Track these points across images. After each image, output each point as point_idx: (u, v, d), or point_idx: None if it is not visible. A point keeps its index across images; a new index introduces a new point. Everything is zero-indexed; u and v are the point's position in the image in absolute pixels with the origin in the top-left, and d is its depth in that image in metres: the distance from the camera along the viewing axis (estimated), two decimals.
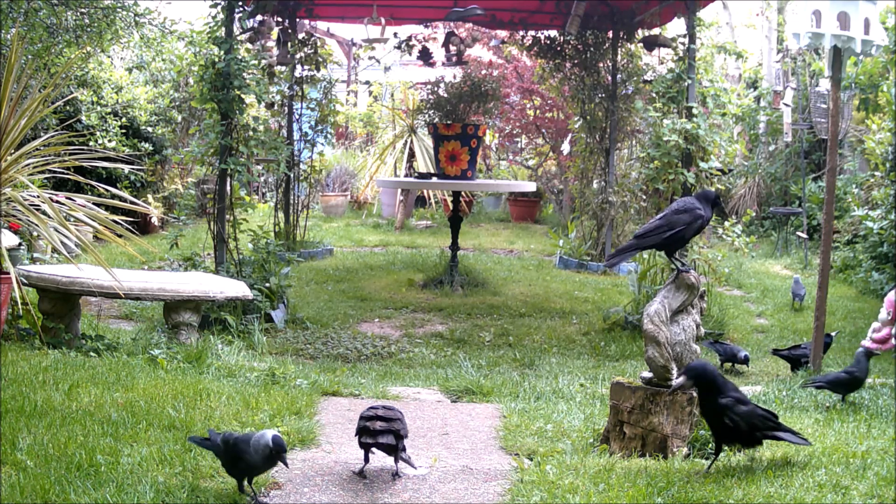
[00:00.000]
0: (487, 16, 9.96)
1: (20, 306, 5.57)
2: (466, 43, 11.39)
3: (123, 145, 10.86)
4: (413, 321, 8.05)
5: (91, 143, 10.08)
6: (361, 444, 3.77)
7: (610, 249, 10.68)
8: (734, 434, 3.59)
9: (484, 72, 12.24)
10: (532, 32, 11.03)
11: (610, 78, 10.76)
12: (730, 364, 6.77)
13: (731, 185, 14.61)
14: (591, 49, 10.78)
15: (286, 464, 3.37)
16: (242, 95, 7.42)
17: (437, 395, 5.59)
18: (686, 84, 8.05)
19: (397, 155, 14.63)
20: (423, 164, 14.13)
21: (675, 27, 9.63)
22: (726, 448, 3.71)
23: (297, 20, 10.42)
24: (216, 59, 7.29)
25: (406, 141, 14.69)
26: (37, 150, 5.10)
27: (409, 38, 11.03)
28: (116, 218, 5.10)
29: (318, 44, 10.62)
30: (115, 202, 5.32)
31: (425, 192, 15.49)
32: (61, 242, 4.76)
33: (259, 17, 8.32)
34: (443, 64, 11.98)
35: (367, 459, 3.82)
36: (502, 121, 15.10)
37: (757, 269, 11.19)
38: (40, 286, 5.72)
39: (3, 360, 4.82)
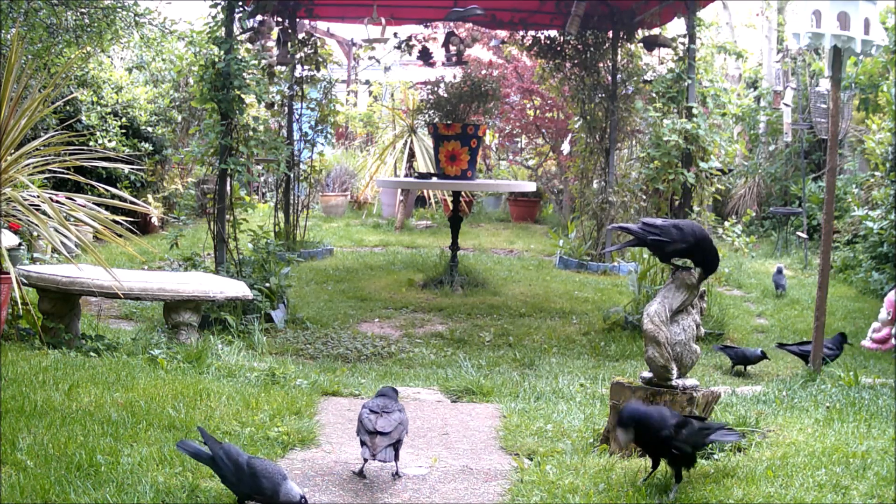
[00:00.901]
0: (487, 16, 9.96)
1: (20, 306, 5.57)
2: (466, 43, 11.39)
3: (123, 145, 10.86)
4: (413, 321, 8.05)
5: (91, 143, 10.08)
6: (363, 442, 3.76)
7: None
8: (686, 459, 3.52)
9: (484, 72, 12.26)
10: (532, 32, 11.03)
11: (610, 78, 10.76)
12: (741, 367, 6.69)
13: (731, 185, 14.61)
14: (591, 49, 10.78)
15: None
16: (242, 95, 7.42)
17: (437, 395, 5.59)
18: (686, 84, 8.04)
19: (397, 155, 14.63)
20: (423, 164, 14.13)
21: (675, 27, 9.63)
22: (685, 471, 3.58)
23: (297, 20, 10.42)
24: (216, 59, 7.29)
25: (406, 141, 14.69)
26: (37, 150, 5.10)
27: (409, 38, 11.03)
28: (116, 218, 5.10)
29: (318, 44, 10.62)
30: (115, 202, 5.32)
31: (425, 192, 15.49)
32: (61, 242, 4.76)
33: (259, 17, 8.32)
34: (443, 64, 11.97)
35: (365, 459, 3.82)
36: (502, 121, 15.11)
37: (757, 269, 11.19)
38: (40, 286, 5.72)
39: (3, 360, 4.82)
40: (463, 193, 12.91)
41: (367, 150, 17.24)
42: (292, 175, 10.58)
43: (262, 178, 14.10)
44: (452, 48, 11.05)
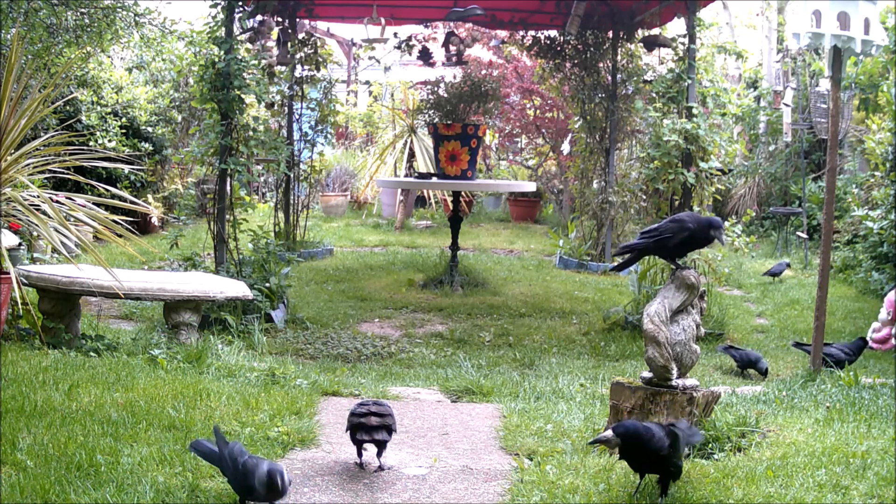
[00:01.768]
0: (487, 16, 9.96)
1: (20, 306, 5.57)
2: (466, 43, 11.40)
3: (123, 145, 10.86)
4: (413, 321, 8.05)
5: (91, 143, 10.08)
6: (355, 441, 3.83)
7: (610, 249, 10.68)
8: (677, 472, 3.44)
9: (484, 72, 12.27)
10: (532, 32, 11.03)
11: (610, 78, 10.76)
12: (745, 370, 6.62)
13: (731, 185, 14.61)
14: (591, 49, 10.79)
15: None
16: (242, 95, 7.42)
17: (437, 395, 5.59)
18: (686, 84, 8.04)
19: (397, 155, 14.63)
20: (423, 164, 14.13)
21: (675, 27, 9.63)
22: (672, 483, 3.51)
23: (297, 20, 10.42)
24: (216, 59, 7.29)
25: (406, 141, 14.69)
26: (37, 150, 5.10)
27: (409, 38, 11.03)
28: (116, 218, 5.10)
29: (318, 44, 10.62)
30: (115, 202, 5.32)
31: (425, 192, 15.49)
32: (61, 242, 4.76)
33: (259, 17, 8.32)
34: (443, 64, 11.98)
35: (360, 454, 3.90)
36: (502, 121, 15.11)
37: (757, 269, 11.19)
38: (40, 286, 5.72)
39: (3, 360, 4.82)
40: (463, 193, 12.92)
41: (367, 150, 17.24)
42: (292, 175, 10.58)
43: (262, 178, 14.10)
44: (452, 48, 11.06)
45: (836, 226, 11.34)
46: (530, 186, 10.72)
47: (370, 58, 13.81)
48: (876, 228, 9.76)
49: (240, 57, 7.41)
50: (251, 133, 7.63)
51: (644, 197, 9.62)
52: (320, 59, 10.50)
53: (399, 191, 14.15)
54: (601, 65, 10.82)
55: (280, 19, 9.76)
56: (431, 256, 10.98)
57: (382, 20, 9.93)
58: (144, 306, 7.56)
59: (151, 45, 11.09)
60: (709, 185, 8.05)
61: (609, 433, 3.46)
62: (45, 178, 6.41)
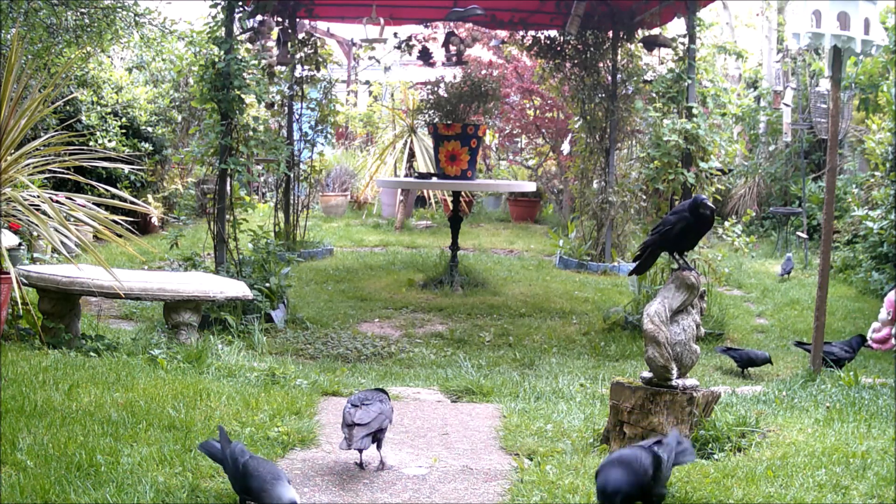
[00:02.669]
0: (487, 16, 9.96)
1: (20, 306, 5.56)
2: (466, 43, 11.39)
3: (123, 145, 10.86)
4: (413, 321, 8.05)
5: (91, 143, 10.08)
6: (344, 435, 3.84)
7: (610, 249, 10.68)
8: (659, 500, 3.21)
9: (484, 72, 12.26)
10: (532, 32, 11.03)
11: (610, 78, 10.76)
12: (745, 369, 6.60)
13: (731, 185, 14.61)
14: (591, 49, 10.78)
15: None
16: (242, 95, 7.42)
17: (437, 395, 5.59)
18: (686, 84, 8.04)
19: (397, 155, 14.62)
20: (423, 164, 14.13)
21: (675, 27, 9.63)
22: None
23: (297, 20, 10.42)
24: (216, 59, 7.29)
25: (406, 141, 14.69)
26: (37, 150, 5.10)
27: (409, 38, 11.03)
28: (116, 218, 5.10)
29: (318, 44, 10.62)
30: (115, 202, 5.32)
31: (425, 192, 15.49)
32: (61, 242, 4.76)
33: (259, 17, 8.32)
34: (443, 64, 11.97)
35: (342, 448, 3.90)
36: (502, 121, 15.11)
37: (757, 269, 11.19)
38: (40, 286, 5.72)
39: (3, 360, 4.82)
40: (463, 193, 12.92)
41: (367, 150, 17.24)
42: (292, 175, 10.58)
43: (262, 178, 14.10)
44: (452, 48, 11.05)
45: (836, 226, 11.35)
46: (530, 186, 10.72)
47: (370, 58, 13.81)
48: (876, 228, 9.76)
49: (240, 57, 7.41)
50: (251, 133, 7.63)
51: (644, 197, 9.63)
52: (320, 59, 10.50)
53: (399, 191, 14.15)
54: (601, 65, 10.82)
55: (280, 19, 9.76)
56: (431, 256, 10.98)
57: (381, 20, 9.93)
58: (144, 306, 7.56)
59: (151, 45, 11.09)
60: (709, 185, 8.05)
61: None
62: (45, 178, 6.40)
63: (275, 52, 9.51)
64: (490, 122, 12.11)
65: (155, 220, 11.88)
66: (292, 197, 10.75)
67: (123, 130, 11.10)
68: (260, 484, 3.11)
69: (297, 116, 10.78)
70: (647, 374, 4.11)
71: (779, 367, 6.79)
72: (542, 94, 14.06)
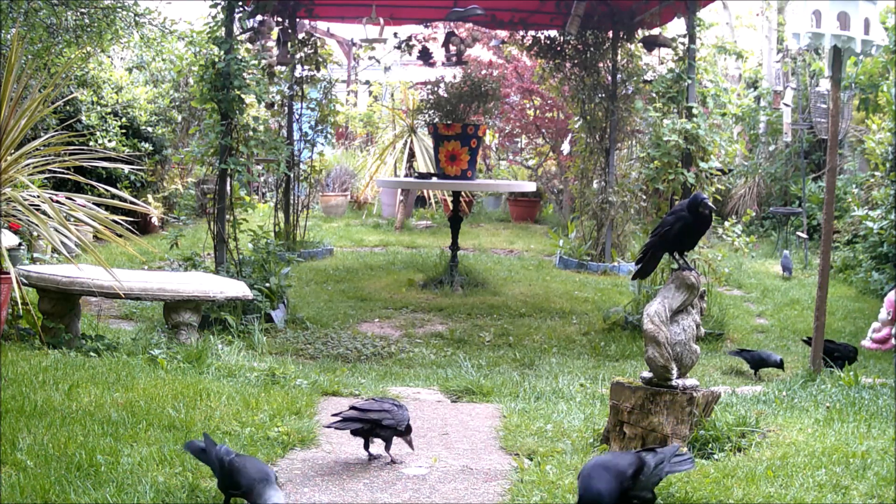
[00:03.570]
0: (487, 16, 9.96)
1: (20, 306, 5.57)
2: (466, 43, 11.38)
3: (123, 145, 10.86)
4: (413, 321, 8.05)
5: (91, 143, 10.08)
6: (354, 433, 3.96)
7: (610, 249, 10.68)
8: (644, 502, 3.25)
9: (484, 72, 12.26)
10: (532, 32, 11.03)
11: (610, 78, 10.76)
12: (758, 371, 6.57)
13: (731, 185, 14.61)
14: (591, 49, 10.78)
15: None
16: (242, 95, 7.42)
17: (437, 395, 5.59)
18: (686, 84, 8.04)
19: (397, 155, 14.62)
20: (423, 164, 14.13)
21: (675, 27, 9.62)
22: None
23: (297, 20, 10.42)
24: (216, 59, 7.29)
25: (406, 141, 14.69)
26: (37, 150, 5.10)
27: (409, 38, 11.02)
28: (116, 218, 5.10)
29: (318, 44, 10.62)
30: (115, 202, 5.32)
31: (425, 192, 15.49)
32: (61, 242, 4.76)
33: (259, 17, 8.32)
34: (443, 64, 11.97)
35: (367, 447, 4.00)
36: (502, 121, 15.10)
37: (757, 269, 11.19)
38: (40, 286, 5.72)
39: (3, 360, 4.82)
40: (463, 193, 12.92)
41: (367, 150, 17.24)
42: (292, 175, 10.58)
43: (262, 178, 14.10)
44: (452, 48, 11.05)
45: (836, 226, 11.35)
46: (530, 186, 10.72)
47: (370, 58, 13.80)
48: (876, 228, 9.76)
49: (240, 57, 7.41)
50: (251, 133, 7.63)
51: (644, 197, 9.62)
52: (320, 59, 10.50)
53: (399, 191, 14.15)
54: (601, 65, 10.81)
55: (280, 19, 9.76)
56: (431, 256, 10.98)
57: (381, 20, 9.93)
58: (144, 306, 7.56)
59: (151, 45, 11.09)
60: (709, 185, 8.05)
61: None
62: (45, 178, 6.40)
63: (275, 52, 9.51)
64: (490, 122, 12.11)
65: (155, 220, 11.88)
66: (292, 197, 10.75)
67: (123, 130, 11.10)
68: (248, 482, 3.14)
69: (297, 116, 10.78)
70: (647, 374, 4.11)
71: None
72: (542, 94, 14.06)
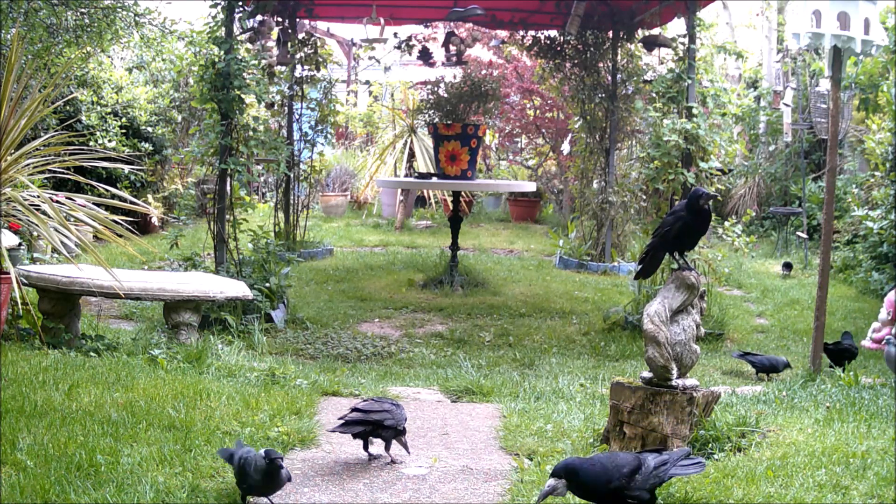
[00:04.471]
0: (487, 16, 9.96)
1: (20, 306, 5.56)
2: (466, 43, 11.38)
3: (123, 145, 10.86)
4: (413, 321, 8.05)
5: (91, 143, 10.08)
6: (354, 435, 3.96)
7: (610, 249, 10.68)
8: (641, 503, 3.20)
9: (484, 72, 12.25)
10: (532, 32, 11.03)
11: (610, 78, 10.76)
12: (765, 374, 6.53)
13: (731, 185, 14.61)
14: (591, 49, 10.78)
15: (287, 476, 3.35)
16: (242, 95, 7.42)
17: (437, 395, 5.59)
18: (686, 84, 8.04)
19: (397, 155, 14.62)
20: (423, 164, 14.13)
21: (675, 27, 9.63)
22: None
23: (297, 20, 10.42)
24: (216, 59, 7.29)
25: (406, 141, 14.69)
26: (37, 150, 5.10)
27: (409, 38, 11.02)
28: (116, 218, 5.10)
29: (318, 44, 10.62)
30: (115, 202, 5.32)
31: (425, 192, 15.49)
32: (61, 242, 4.76)
33: (259, 17, 8.32)
34: (443, 64, 11.97)
35: (366, 447, 3.99)
36: (502, 121, 15.10)
37: (757, 269, 11.19)
38: (40, 286, 5.72)
39: (3, 360, 4.82)
40: (463, 193, 12.91)
41: (367, 150, 17.24)
42: (292, 175, 10.58)
43: (262, 178, 14.11)
44: (452, 48, 11.05)
45: (836, 226, 11.35)
46: (530, 186, 10.72)
47: (370, 58, 13.81)
48: (876, 228, 9.76)
49: (240, 57, 7.41)
50: (251, 133, 7.63)
51: (644, 197, 9.62)
52: (320, 59, 10.50)
53: (399, 191, 14.15)
54: (601, 65, 10.82)
55: (280, 19, 9.75)
56: (431, 256, 10.98)
57: (382, 20, 9.93)
58: (144, 306, 7.56)
59: (151, 45, 11.09)
60: (709, 185, 8.05)
61: (551, 480, 3.16)
62: (45, 178, 6.40)
63: (275, 52, 9.51)
64: (490, 122, 12.11)
65: (155, 220, 11.88)
66: (292, 197, 10.75)
67: (123, 130, 11.10)
68: (251, 468, 3.27)
69: (297, 116, 10.78)
70: (647, 374, 4.11)
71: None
72: (542, 94, 14.06)
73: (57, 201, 5.02)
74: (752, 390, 5.68)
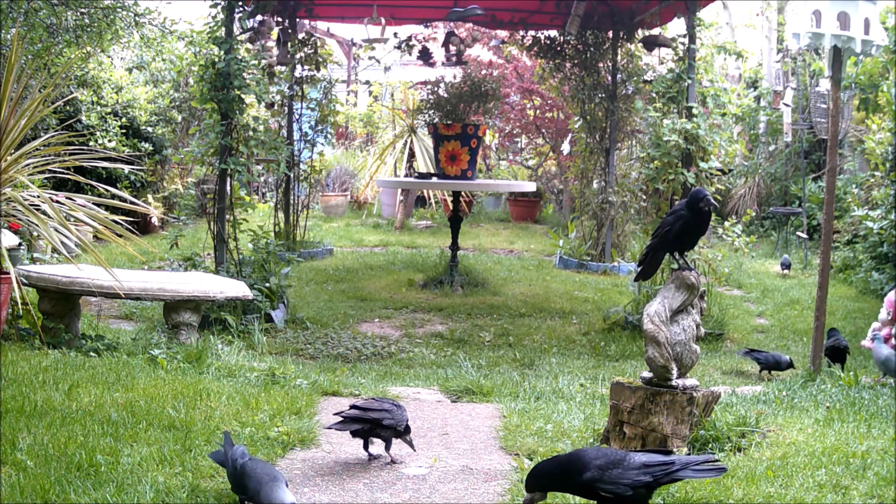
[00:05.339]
0: (487, 16, 9.96)
1: (20, 306, 5.56)
2: (466, 43, 11.39)
3: (123, 145, 10.86)
4: (413, 321, 8.05)
5: (91, 143, 10.08)
6: (353, 434, 3.96)
7: (610, 249, 10.68)
8: (627, 501, 3.10)
9: (484, 72, 12.26)
10: (532, 32, 11.03)
11: (610, 78, 10.76)
12: (767, 371, 6.55)
13: (731, 185, 14.61)
14: (591, 49, 10.78)
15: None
16: (242, 95, 7.42)
17: (437, 395, 5.59)
18: (686, 84, 8.04)
19: (397, 155, 14.62)
20: (423, 164, 14.13)
21: (675, 27, 9.63)
22: None
23: (297, 20, 10.42)
24: (216, 59, 7.29)
25: (406, 141, 14.69)
26: (37, 150, 5.10)
27: (409, 38, 11.03)
28: (116, 218, 5.10)
29: (318, 44, 10.62)
30: (115, 202, 5.32)
31: (425, 192, 15.49)
32: (61, 242, 4.76)
33: (259, 17, 8.32)
34: (443, 64, 11.97)
35: (366, 447, 3.99)
36: (502, 121, 15.11)
37: (757, 269, 11.19)
38: (40, 286, 5.72)
39: (3, 360, 4.82)
40: (463, 193, 12.92)
41: (367, 150, 17.24)
42: (292, 175, 10.58)
43: (262, 178, 14.11)
44: (452, 48, 11.05)
45: (836, 226, 11.35)
46: (530, 186, 10.72)
47: (370, 58, 13.81)
48: (876, 228, 9.76)
49: (240, 57, 7.41)
50: (251, 133, 7.63)
51: (644, 197, 9.62)
52: (320, 59, 10.50)
53: (399, 191, 14.15)
54: (601, 65, 10.82)
55: (280, 19, 9.76)
56: (431, 256, 10.98)
57: (382, 20, 9.93)
58: (144, 306, 7.56)
59: (151, 45, 11.09)
60: (709, 185, 8.05)
61: (526, 496, 3.17)
62: (45, 178, 6.40)
63: (275, 52, 9.51)
64: (490, 122, 12.11)
65: (155, 220, 11.88)
66: (292, 197, 10.75)
67: (123, 130, 11.10)
68: (256, 485, 3.11)
69: (297, 116, 10.78)
70: (647, 374, 4.11)
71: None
72: (542, 94, 14.06)
73: (57, 201, 5.02)
74: (752, 390, 5.68)
